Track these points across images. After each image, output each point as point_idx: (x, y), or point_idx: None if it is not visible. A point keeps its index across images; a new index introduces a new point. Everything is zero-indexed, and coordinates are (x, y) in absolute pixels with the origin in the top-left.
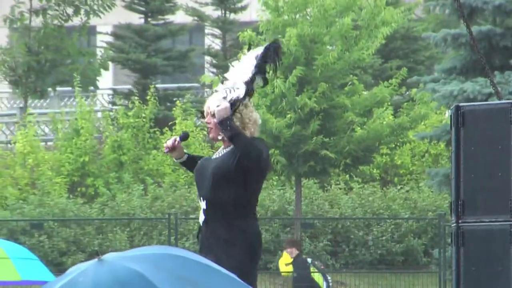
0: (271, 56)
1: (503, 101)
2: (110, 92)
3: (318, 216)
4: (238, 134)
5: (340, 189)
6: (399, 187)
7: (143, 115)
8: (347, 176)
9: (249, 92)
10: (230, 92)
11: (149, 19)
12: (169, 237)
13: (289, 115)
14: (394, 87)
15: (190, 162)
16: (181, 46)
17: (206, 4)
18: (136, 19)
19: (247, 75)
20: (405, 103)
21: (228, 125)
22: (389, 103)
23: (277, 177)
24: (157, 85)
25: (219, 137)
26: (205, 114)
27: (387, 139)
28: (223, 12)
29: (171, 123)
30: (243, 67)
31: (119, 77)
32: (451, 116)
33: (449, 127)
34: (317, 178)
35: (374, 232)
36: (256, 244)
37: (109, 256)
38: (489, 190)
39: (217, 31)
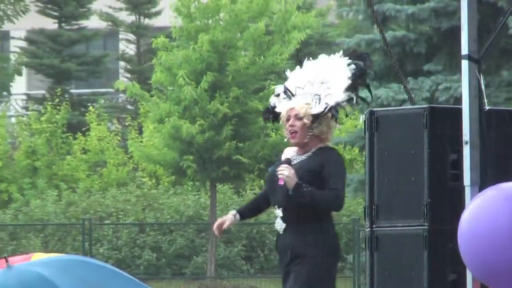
0: (362, 74)
1: (417, 106)
2: (24, 97)
3: None
4: (315, 201)
5: (255, 194)
6: None
7: (54, 120)
8: (262, 181)
9: (341, 105)
10: (320, 99)
11: (63, 24)
12: (83, 242)
13: (199, 122)
14: None
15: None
16: (95, 51)
17: (120, 9)
18: (50, 24)
19: (343, 83)
20: None
21: (303, 193)
22: None
23: (191, 182)
24: (72, 90)
25: (306, 141)
26: (285, 116)
27: None
28: (137, 17)
29: (84, 128)
30: (331, 69)
31: (33, 82)
32: (365, 121)
33: (363, 132)
34: (232, 183)
35: None
36: (336, 243)
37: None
38: (403, 195)
39: (131, 36)
